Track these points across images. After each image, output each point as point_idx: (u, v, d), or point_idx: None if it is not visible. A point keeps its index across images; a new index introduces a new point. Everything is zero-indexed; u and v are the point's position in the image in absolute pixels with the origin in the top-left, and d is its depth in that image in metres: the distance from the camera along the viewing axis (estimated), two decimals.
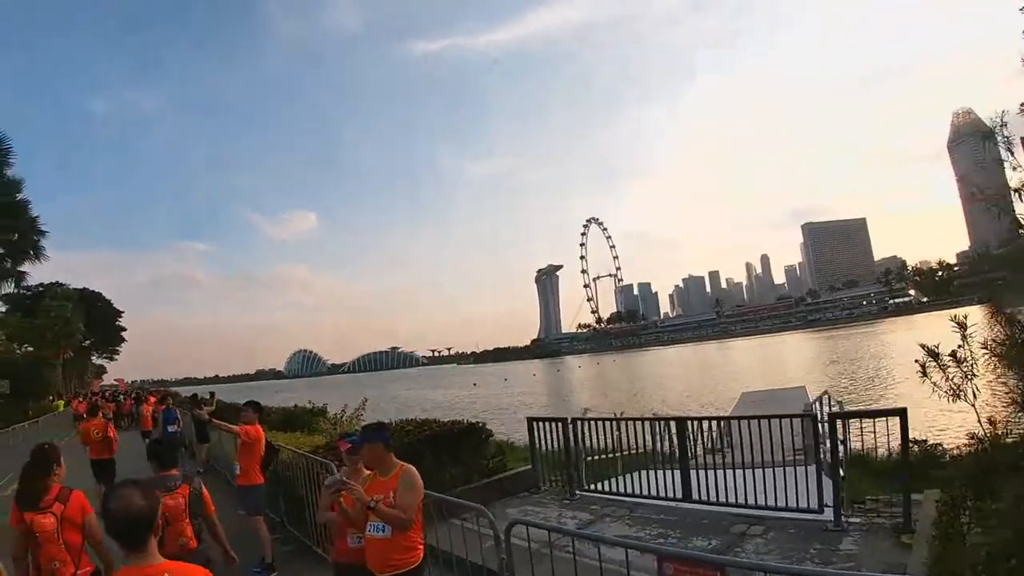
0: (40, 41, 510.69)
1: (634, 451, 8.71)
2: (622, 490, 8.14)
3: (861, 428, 7.95)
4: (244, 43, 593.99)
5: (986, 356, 6.19)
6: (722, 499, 7.06)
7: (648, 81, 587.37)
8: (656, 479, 7.72)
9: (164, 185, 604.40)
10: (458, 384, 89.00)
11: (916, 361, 6.24)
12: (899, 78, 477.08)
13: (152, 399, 20.31)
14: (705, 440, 9.74)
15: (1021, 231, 4.08)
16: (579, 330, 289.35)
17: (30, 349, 39.12)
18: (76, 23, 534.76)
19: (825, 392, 10.35)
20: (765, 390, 25.55)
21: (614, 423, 8.83)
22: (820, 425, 7.25)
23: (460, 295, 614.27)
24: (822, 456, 6.87)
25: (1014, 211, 6.66)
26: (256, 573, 6.11)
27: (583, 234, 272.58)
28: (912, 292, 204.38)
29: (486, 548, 4.52)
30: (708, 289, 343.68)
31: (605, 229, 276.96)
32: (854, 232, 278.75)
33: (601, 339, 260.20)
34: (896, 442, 7.19)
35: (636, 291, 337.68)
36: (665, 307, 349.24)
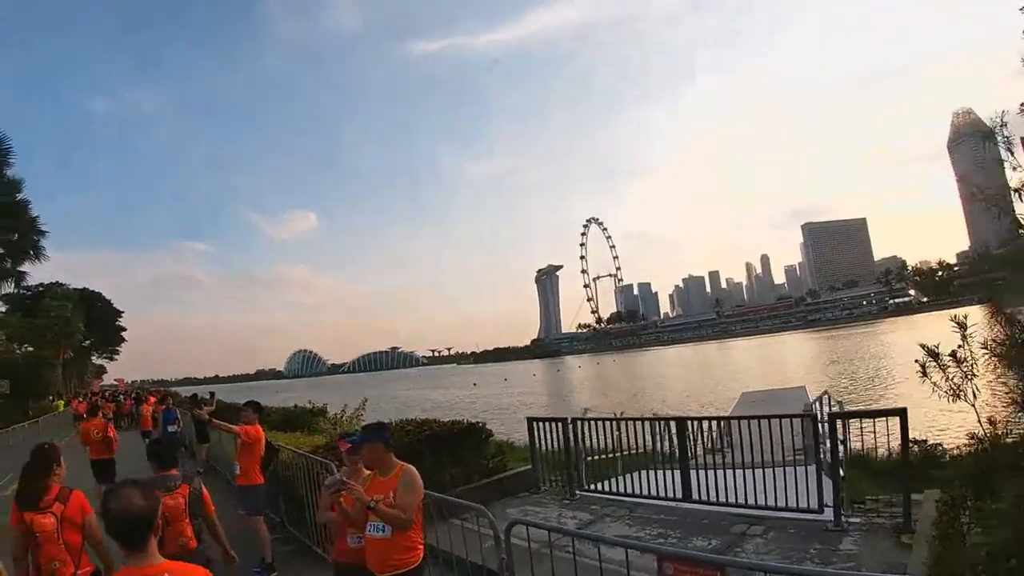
0: (40, 41, 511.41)
1: (634, 451, 8.71)
2: (622, 490, 8.14)
3: (861, 428, 7.96)
4: (244, 43, 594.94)
5: (986, 356, 6.22)
6: (722, 499, 7.06)
7: (648, 81, 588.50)
8: (656, 479, 7.72)
9: (164, 185, 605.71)
10: (458, 384, 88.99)
11: (916, 361, 6.24)
12: (899, 78, 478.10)
13: (152, 399, 20.31)
14: (705, 440, 9.74)
15: (1021, 231, 4.09)
16: (579, 330, 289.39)
17: (30, 349, 39.11)
18: (76, 23, 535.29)
19: (825, 392, 10.35)
20: (765, 390, 25.55)
21: (614, 423, 8.83)
22: (820, 425, 7.25)
23: (460, 295, 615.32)
24: (822, 456, 6.87)
25: (1014, 211, 6.67)
26: (256, 573, 6.11)
27: (583, 234, 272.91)
28: (912, 292, 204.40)
29: (486, 548, 4.52)
30: (708, 289, 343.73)
31: (605, 229, 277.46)
32: (854, 232, 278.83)
33: (601, 339, 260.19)
34: (895, 442, 7.20)
35: (636, 291, 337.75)
36: (665, 307, 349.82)
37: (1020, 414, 4.26)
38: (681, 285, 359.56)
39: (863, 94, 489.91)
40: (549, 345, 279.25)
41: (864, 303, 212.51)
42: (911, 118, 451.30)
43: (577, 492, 8.37)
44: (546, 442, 8.89)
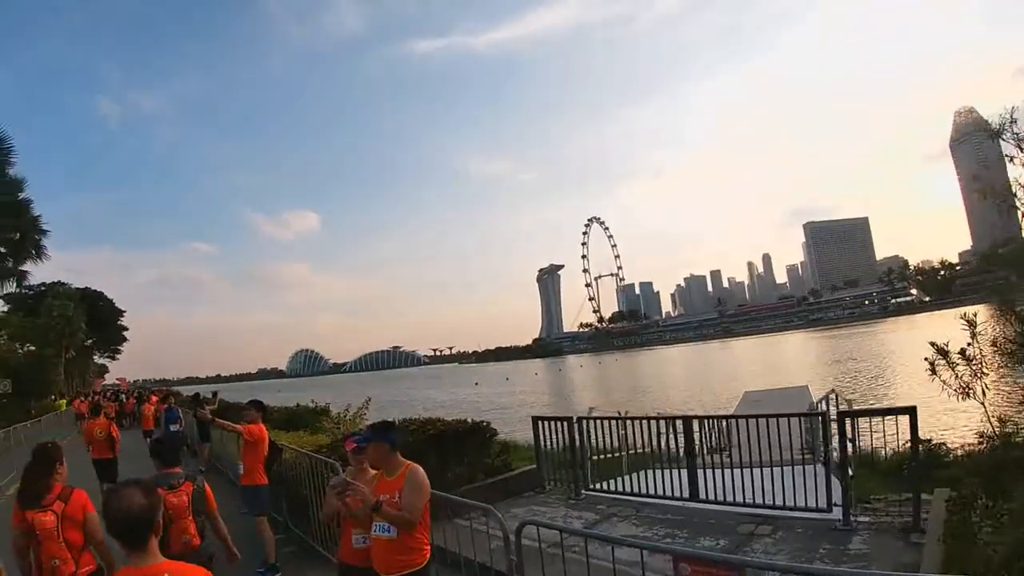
0: (42, 42, 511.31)
1: (639, 450, 8.65)
2: (628, 489, 8.08)
3: (871, 427, 7.91)
4: (244, 44, 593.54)
5: (994, 354, 6.15)
6: (729, 499, 7.00)
7: (649, 81, 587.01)
8: (662, 478, 7.66)
9: (165, 185, 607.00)
10: (460, 383, 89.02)
11: (926, 359, 6.21)
12: (899, 78, 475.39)
13: (154, 398, 20.30)
14: (712, 439, 9.68)
15: None
16: (581, 329, 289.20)
17: (32, 348, 39.09)
18: (78, 24, 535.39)
19: (832, 391, 10.29)
20: (768, 389, 25.45)
21: (619, 422, 8.77)
22: (828, 424, 7.19)
23: (462, 294, 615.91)
24: (831, 455, 6.81)
25: (1021, 208, 6.60)
26: (260, 574, 6.07)
27: (584, 233, 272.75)
28: (914, 292, 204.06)
29: (493, 549, 4.47)
30: (710, 288, 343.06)
31: (607, 228, 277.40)
32: (856, 231, 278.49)
33: (603, 338, 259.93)
34: (900, 441, 7.15)
35: (638, 290, 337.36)
36: (667, 306, 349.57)
37: None
38: (683, 284, 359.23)
39: (863, 94, 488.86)
40: (551, 344, 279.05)
41: (866, 303, 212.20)
42: (912, 118, 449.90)
43: (583, 492, 8.31)
44: (551, 441, 8.84)
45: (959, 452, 8.22)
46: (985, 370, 6.02)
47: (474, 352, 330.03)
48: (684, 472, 7.55)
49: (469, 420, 8.88)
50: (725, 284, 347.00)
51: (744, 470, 7.06)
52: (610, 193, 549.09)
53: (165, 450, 4.23)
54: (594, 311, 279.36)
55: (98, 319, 55.69)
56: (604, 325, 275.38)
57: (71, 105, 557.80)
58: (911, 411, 6.13)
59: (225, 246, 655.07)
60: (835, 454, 6.75)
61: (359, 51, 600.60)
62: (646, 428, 8.60)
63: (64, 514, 3.61)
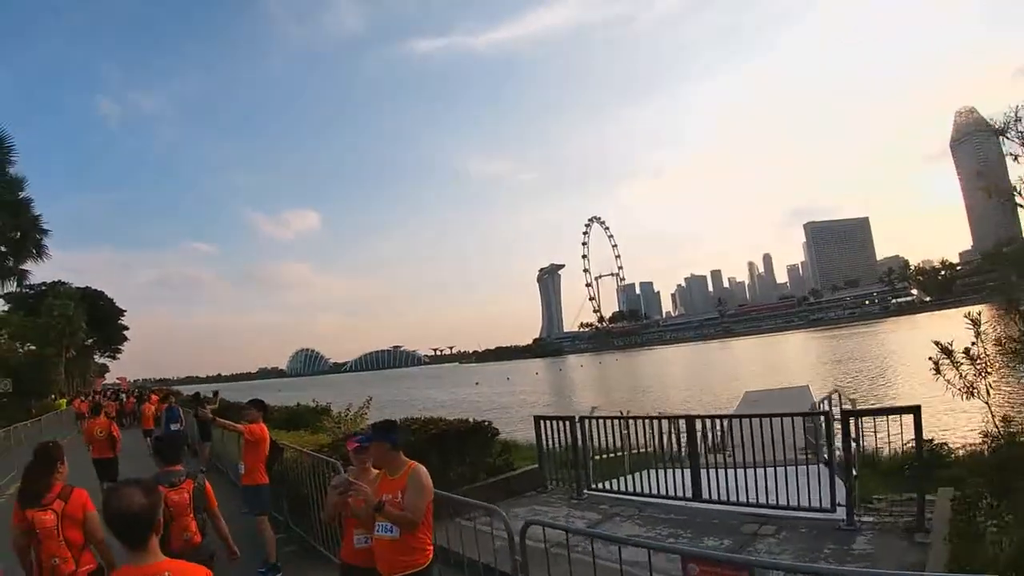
0: (42, 42, 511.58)
1: (642, 450, 8.62)
2: (630, 489, 8.05)
3: (875, 426, 7.88)
4: (244, 44, 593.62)
5: (998, 354, 6.13)
6: (732, 498, 6.97)
7: (649, 81, 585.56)
8: (664, 478, 7.63)
9: (165, 185, 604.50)
10: (460, 383, 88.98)
11: (930, 358, 6.18)
12: (899, 78, 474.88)
13: (155, 398, 20.29)
14: (715, 439, 9.65)
15: None
16: (581, 329, 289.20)
17: (32, 348, 39.10)
18: (79, 24, 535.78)
19: (835, 390, 10.25)
20: (768, 389, 25.42)
21: (622, 422, 8.74)
22: (832, 423, 7.16)
23: (461, 294, 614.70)
24: (835, 454, 6.79)
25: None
26: (261, 574, 6.04)
27: (585, 233, 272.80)
28: (915, 292, 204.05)
29: (496, 548, 4.44)
30: (710, 288, 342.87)
31: (607, 228, 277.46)
32: (856, 231, 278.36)
33: (603, 338, 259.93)
34: (902, 441, 7.13)
35: (638, 290, 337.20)
36: (667, 306, 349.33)
37: None
38: (683, 284, 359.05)
39: (864, 94, 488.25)
40: (551, 344, 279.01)
41: (866, 303, 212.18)
42: (912, 117, 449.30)
43: (585, 491, 8.28)
44: (552, 441, 8.81)
45: (960, 452, 8.21)
46: (988, 369, 6.00)
47: (474, 352, 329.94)
48: (686, 472, 7.53)
49: (471, 420, 8.85)
50: (725, 284, 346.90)
51: (747, 470, 7.04)
52: (610, 193, 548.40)
53: (166, 448, 4.28)
54: (594, 311, 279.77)
55: (98, 318, 55.69)
56: (604, 325, 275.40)
57: (71, 105, 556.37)
58: (915, 410, 6.11)
59: (225, 246, 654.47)
60: (838, 454, 6.72)
61: (359, 51, 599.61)
62: (648, 428, 8.57)
63: (64, 513, 3.62)
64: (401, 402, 47.87)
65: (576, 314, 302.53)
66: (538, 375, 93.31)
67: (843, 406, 8.88)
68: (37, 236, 32.81)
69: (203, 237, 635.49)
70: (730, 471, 7.19)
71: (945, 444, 9.01)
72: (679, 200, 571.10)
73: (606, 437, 8.60)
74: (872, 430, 7.84)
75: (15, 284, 33.99)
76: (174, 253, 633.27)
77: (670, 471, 7.66)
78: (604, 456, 8.74)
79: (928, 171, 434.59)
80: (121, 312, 68.25)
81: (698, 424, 8.02)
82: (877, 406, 15.27)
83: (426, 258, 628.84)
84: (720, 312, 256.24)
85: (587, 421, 8.60)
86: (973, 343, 6.02)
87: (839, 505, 6.26)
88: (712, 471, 7.37)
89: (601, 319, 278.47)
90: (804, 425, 9.76)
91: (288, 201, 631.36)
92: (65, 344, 42.26)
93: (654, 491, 7.68)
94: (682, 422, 8.12)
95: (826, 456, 7.62)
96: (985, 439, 5.75)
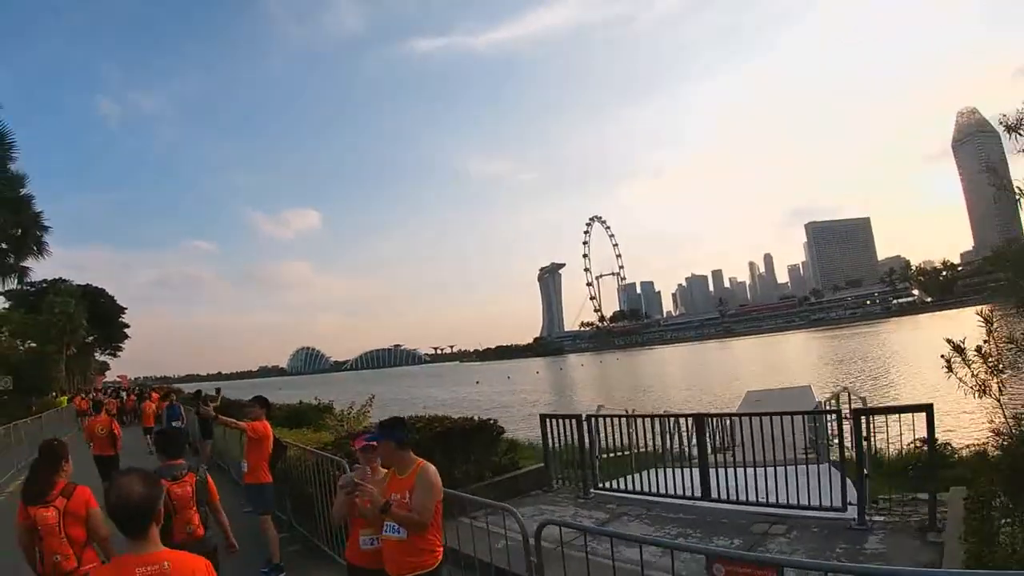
0: (43, 42, 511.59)
1: (648, 448, 8.55)
2: (637, 488, 7.97)
3: (879, 426, 7.81)
4: (244, 44, 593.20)
5: (1010, 351, 6.06)
6: (741, 497, 6.89)
7: (649, 81, 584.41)
8: (672, 477, 7.56)
9: (165, 185, 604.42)
10: (461, 382, 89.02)
11: (942, 356, 6.11)
12: (899, 78, 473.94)
13: (156, 396, 20.22)
14: (716, 438, 9.58)
15: None
16: (582, 328, 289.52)
17: (33, 345, 39.05)
18: (79, 24, 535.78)
19: (845, 388, 10.17)
20: (770, 389, 25.38)
21: (629, 420, 8.66)
22: (841, 422, 7.09)
23: (462, 294, 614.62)
24: (845, 453, 6.71)
25: None
26: (264, 573, 5.97)
27: (586, 232, 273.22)
28: (916, 292, 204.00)
29: (504, 548, 4.36)
30: (711, 288, 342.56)
31: (608, 227, 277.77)
32: (857, 231, 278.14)
33: (603, 337, 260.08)
34: (902, 442, 7.06)
35: (639, 290, 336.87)
36: (668, 306, 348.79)
37: None
38: (684, 284, 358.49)
39: (864, 93, 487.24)
40: (552, 343, 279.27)
41: (868, 303, 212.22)
42: (912, 117, 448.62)
43: (591, 490, 8.21)
44: (558, 439, 8.73)
45: (965, 452, 8.17)
46: (1000, 367, 5.93)
47: (475, 351, 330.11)
48: (694, 471, 7.45)
49: (476, 418, 8.77)
50: (726, 284, 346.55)
51: (755, 469, 6.97)
52: (610, 193, 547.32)
53: (168, 442, 4.36)
54: (595, 310, 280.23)
55: (99, 316, 55.56)
56: (605, 324, 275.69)
57: (71, 105, 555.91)
58: (927, 409, 6.03)
59: (225, 245, 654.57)
60: (848, 453, 6.65)
61: (359, 51, 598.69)
62: (656, 426, 8.49)
63: (66, 510, 3.63)
64: (402, 400, 47.89)
65: (577, 313, 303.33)
66: (539, 374, 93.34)
67: (853, 405, 8.80)
68: (38, 233, 32.68)
69: (203, 236, 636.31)
70: (738, 470, 7.12)
71: (949, 444, 8.96)
72: (679, 200, 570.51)
73: (612, 436, 8.53)
74: (876, 430, 7.80)
75: (16, 281, 33.89)
76: (174, 253, 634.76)
77: (677, 470, 7.59)
78: (610, 455, 8.67)
79: (928, 171, 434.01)
80: (122, 310, 68.15)
81: (708, 423, 7.92)
82: (885, 405, 15.19)
83: (426, 258, 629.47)
84: (721, 312, 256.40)
85: (594, 419, 8.52)
86: (985, 341, 5.95)
87: (850, 504, 6.18)
88: (720, 470, 7.30)
89: (602, 318, 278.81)
90: (805, 424, 9.71)
91: (288, 201, 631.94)
92: (66, 341, 42.19)
93: (661, 490, 7.61)
94: (689, 420, 8.04)
95: (836, 455, 7.55)
96: (997, 437, 5.68)
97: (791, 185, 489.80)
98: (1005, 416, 5.83)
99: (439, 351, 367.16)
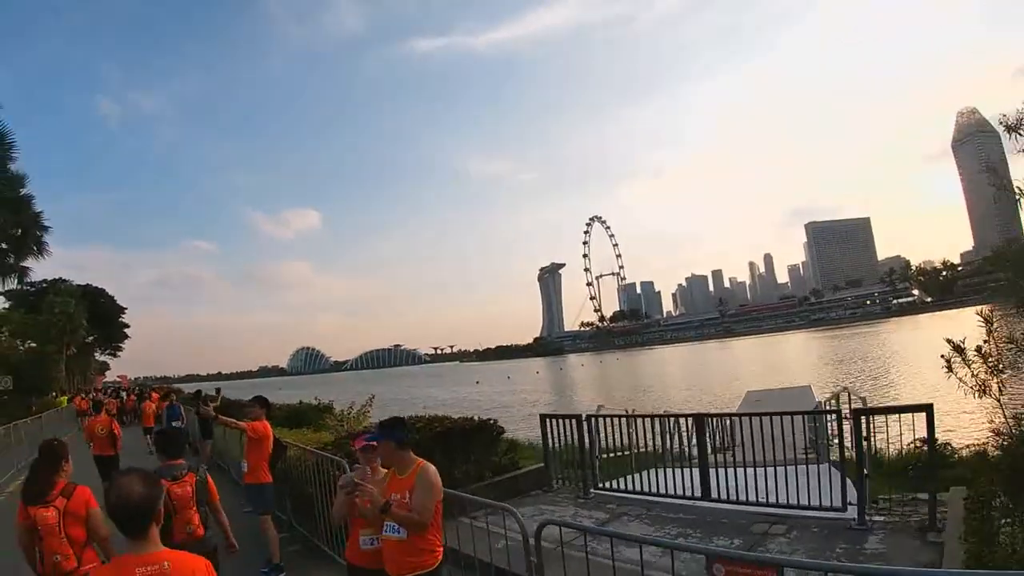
0: (43, 41, 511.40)
1: (648, 448, 8.54)
2: (637, 488, 7.97)
3: (878, 426, 7.81)
4: (244, 44, 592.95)
5: (1010, 351, 6.06)
6: (741, 498, 6.89)
7: (649, 81, 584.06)
8: (671, 477, 7.56)
9: (165, 185, 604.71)
10: (461, 381, 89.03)
11: (942, 356, 6.11)
12: (899, 78, 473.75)
13: (156, 396, 20.21)
14: (716, 438, 9.58)
15: None
16: (582, 328, 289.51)
17: (33, 345, 39.04)
18: (79, 24, 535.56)
19: (845, 388, 10.17)
20: (770, 389, 25.38)
21: (629, 420, 8.66)
22: (841, 422, 7.09)
23: (462, 294, 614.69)
24: (845, 453, 6.71)
25: None
26: (264, 574, 5.96)
27: (586, 232, 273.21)
28: (916, 292, 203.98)
29: (504, 548, 4.36)
30: (711, 288, 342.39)
31: (608, 227, 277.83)
32: (857, 231, 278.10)
33: (603, 337, 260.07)
34: (901, 442, 7.04)
35: (639, 290, 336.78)
36: (668, 306, 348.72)
37: None
38: (684, 284, 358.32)
39: (864, 93, 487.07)
40: (551, 343, 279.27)
41: (868, 303, 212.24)
42: (912, 117, 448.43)
43: (591, 490, 8.21)
44: (558, 439, 8.73)
45: (965, 452, 8.17)
46: (1000, 366, 5.93)
47: (475, 351, 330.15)
48: (694, 471, 7.45)
49: (476, 418, 8.76)
50: (726, 284, 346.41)
51: (755, 469, 6.97)
52: (610, 193, 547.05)
53: (168, 442, 4.36)
54: (595, 310, 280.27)
55: (99, 316, 55.55)
56: (605, 324, 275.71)
57: (71, 105, 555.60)
58: (927, 409, 6.03)
59: (225, 245, 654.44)
60: (848, 452, 6.64)
61: (359, 51, 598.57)
62: (656, 426, 8.49)
63: (66, 510, 3.62)
64: (402, 400, 47.88)
65: (577, 313, 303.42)
66: (539, 374, 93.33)
67: (852, 405, 8.80)
68: (38, 233, 32.67)
69: (203, 236, 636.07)
70: (738, 470, 7.12)
71: (949, 444, 8.97)
72: (679, 200, 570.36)
73: (612, 436, 8.53)
74: (876, 430, 7.80)
75: (16, 281, 33.88)
76: (174, 253, 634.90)
77: (677, 470, 7.59)
78: (610, 455, 8.67)
79: (928, 171, 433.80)
80: (122, 310, 68.15)
81: (708, 423, 7.92)
82: (884, 405, 15.19)
83: (426, 258, 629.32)
84: (721, 312, 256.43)
85: (594, 419, 8.52)
86: (985, 341, 5.95)
87: (850, 504, 6.18)
88: (720, 470, 7.30)
89: (602, 318, 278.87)
90: (804, 424, 9.71)
91: (288, 201, 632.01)
92: (66, 341, 42.19)
93: (661, 490, 7.61)
94: (690, 420, 8.04)
95: (836, 455, 7.55)
96: (997, 437, 5.68)
97: (791, 185, 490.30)
98: (1005, 416, 5.84)
99: (439, 351, 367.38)
